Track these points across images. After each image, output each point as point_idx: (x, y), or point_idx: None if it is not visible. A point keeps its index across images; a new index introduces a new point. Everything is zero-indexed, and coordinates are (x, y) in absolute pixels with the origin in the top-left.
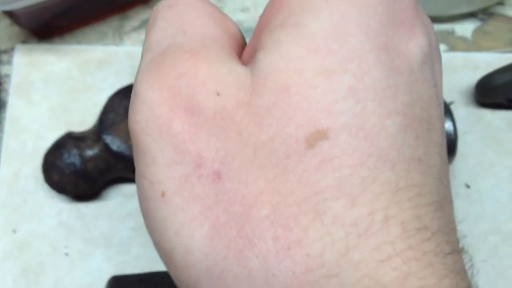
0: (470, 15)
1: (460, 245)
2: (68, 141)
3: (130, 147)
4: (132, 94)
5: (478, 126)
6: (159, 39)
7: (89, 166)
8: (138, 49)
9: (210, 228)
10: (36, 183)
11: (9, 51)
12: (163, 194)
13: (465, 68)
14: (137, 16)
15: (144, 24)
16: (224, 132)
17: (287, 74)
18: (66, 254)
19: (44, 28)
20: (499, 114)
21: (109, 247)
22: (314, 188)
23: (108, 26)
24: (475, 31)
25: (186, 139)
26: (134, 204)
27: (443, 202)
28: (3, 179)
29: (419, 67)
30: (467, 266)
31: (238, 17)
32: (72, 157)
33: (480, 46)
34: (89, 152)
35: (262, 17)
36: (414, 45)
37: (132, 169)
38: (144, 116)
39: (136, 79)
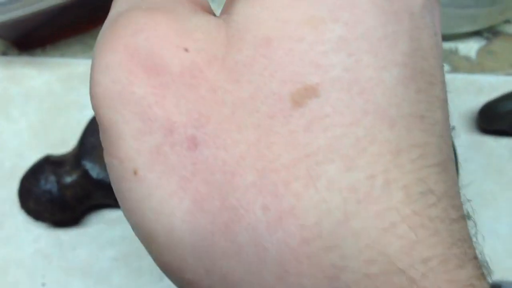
0: (475, 33)
1: (464, 210)
2: (45, 166)
3: None
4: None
5: (480, 154)
6: (121, 6)
7: (67, 193)
8: None
9: (191, 202)
10: (13, 206)
11: None
12: (135, 172)
13: (468, 91)
14: None
15: None
16: (196, 91)
17: (269, 26)
18: (43, 284)
19: (25, 40)
20: (503, 141)
21: (88, 277)
22: (305, 150)
23: (94, 37)
24: (480, 51)
25: (152, 103)
26: (116, 231)
27: (447, 163)
28: None
29: (420, 12)
30: (472, 232)
31: None
32: (49, 183)
33: (485, 67)
34: (68, 179)
35: None
36: None
37: (113, 197)
38: (102, 86)
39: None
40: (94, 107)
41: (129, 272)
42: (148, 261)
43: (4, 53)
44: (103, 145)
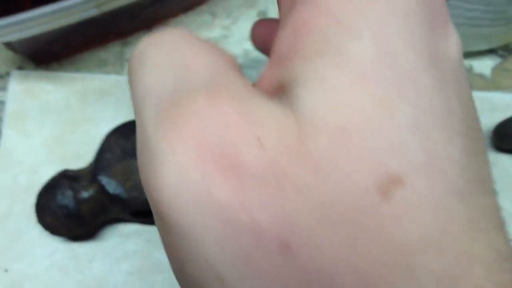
0: (490, 51)
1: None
2: (62, 181)
3: (127, 189)
4: (142, 154)
5: (494, 172)
6: (158, 83)
7: (83, 208)
8: None
9: None
10: (29, 221)
11: (4, 76)
12: (221, 281)
13: (482, 109)
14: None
15: None
16: (279, 191)
17: (339, 112)
18: None
19: (41, 54)
20: None
21: None
22: (397, 242)
23: (109, 52)
24: (495, 68)
25: (235, 207)
26: (130, 245)
27: (502, 217)
28: None
29: (459, 67)
30: None
31: (245, 46)
32: (66, 199)
33: (499, 85)
34: (84, 194)
35: (282, 41)
36: (452, 43)
37: (129, 212)
38: (172, 184)
39: (144, 136)
40: (158, 205)
41: (143, 286)
42: (161, 275)
43: (21, 68)
44: (165, 246)
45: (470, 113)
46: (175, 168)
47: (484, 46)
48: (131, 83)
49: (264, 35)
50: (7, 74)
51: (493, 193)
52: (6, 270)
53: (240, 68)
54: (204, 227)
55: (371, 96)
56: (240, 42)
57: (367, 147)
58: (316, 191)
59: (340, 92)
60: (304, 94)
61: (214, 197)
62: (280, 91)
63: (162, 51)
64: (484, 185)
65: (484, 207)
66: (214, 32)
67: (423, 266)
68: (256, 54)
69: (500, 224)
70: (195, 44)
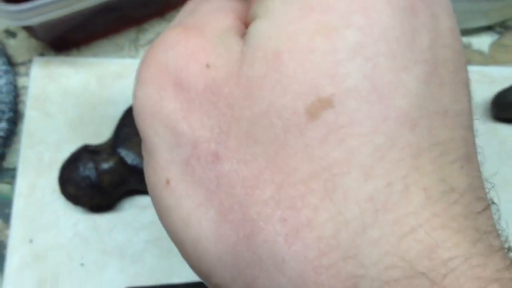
0: (487, 28)
1: (488, 197)
2: (84, 154)
3: None
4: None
5: (494, 141)
6: (170, 25)
7: (104, 179)
8: None
9: (216, 213)
10: (53, 195)
11: (27, 63)
12: (167, 182)
13: (481, 82)
14: (153, 29)
15: None
16: (216, 108)
17: (278, 40)
18: (82, 265)
19: (61, 41)
20: None
21: (124, 259)
22: (321, 163)
23: (124, 38)
24: (492, 45)
25: (180, 118)
26: (148, 216)
27: (471, 153)
28: (20, 190)
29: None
30: (495, 218)
31: None
32: (88, 170)
33: (497, 60)
34: (105, 166)
35: None
36: None
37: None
38: (139, 99)
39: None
40: (135, 119)
41: (161, 253)
42: None
43: (42, 54)
44: (143, 154)
45: (444, 43)
46: (141, 84)
47: (482, 23)
48: None
49: None
50: (30, 61)
51: (468, 128)
52: (31, 241)
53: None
54: (157, 133)
55: (313, 24)
56: None
57: (299, 72)
58: (246, 109)
59: (284, 23)
60: (252, 28)
61: (164, 108)
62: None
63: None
64: (454, 119)
65: (444, 140)
66: None
67: (345, 188)
68: None
69: (467, 159)
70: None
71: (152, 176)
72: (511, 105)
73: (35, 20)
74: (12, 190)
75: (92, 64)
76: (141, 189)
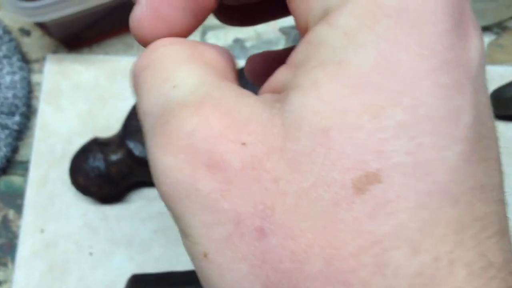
0: (485, 29)
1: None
2: (93, 146)
3: None
4: (150, 164)
5: None
6: (151, 102)
7: (112, 169)
8: None
9: (262, 287)
10: (63, 186)
11: (40, 60)
12: (205, 255)
13: None
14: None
15: None
16: (258, 183)
17: (325, 117)
18: (90, 253)
19: (74, 39)
20: None
21: (131, 247)
22: (370, 237)
23: (133, 37)
24: (489, 45)
25: (218, 198)
26: (155, 207)
27: (504, 227)
28: (33, 181)
29: (478, 74)
30: None
31: (258, 30)
32: (97, 161)
33: (494, 60)
34: (113, 157)
35: (297, 51)
36: (472, 48)
37: None
38: (168, 185)
39: (147, 148)
40: (163, 200)
41: (168, 242)
42: None
43: (55, 52)
44: (175, 222)
45: (482, 120)
46: (169, 172)
47: (479, 23)
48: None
49: (256, 69)
50: (43, 58)
51: (500, 202)
52: (42, 230)
53: (234, 66)
54: (194, 214)
55: (360, 103)
56: (254, 27)
57: (346, 148)
58: (292, 183)
59: (332, 99)
60: (295, 99)
61: (201, 191)
62: (283, 96)
63: (150, 74)
64: (489, 193)
65: (482, 215)
66: None
67: (396, 263)
68: (268, 36)
69: (501, 234)
70: (183, 58)
71: (188, 248)
72: (508, 101)
73: (49, 17)
74: (24, 182)
75: (103, 61)
76: (148, 180)
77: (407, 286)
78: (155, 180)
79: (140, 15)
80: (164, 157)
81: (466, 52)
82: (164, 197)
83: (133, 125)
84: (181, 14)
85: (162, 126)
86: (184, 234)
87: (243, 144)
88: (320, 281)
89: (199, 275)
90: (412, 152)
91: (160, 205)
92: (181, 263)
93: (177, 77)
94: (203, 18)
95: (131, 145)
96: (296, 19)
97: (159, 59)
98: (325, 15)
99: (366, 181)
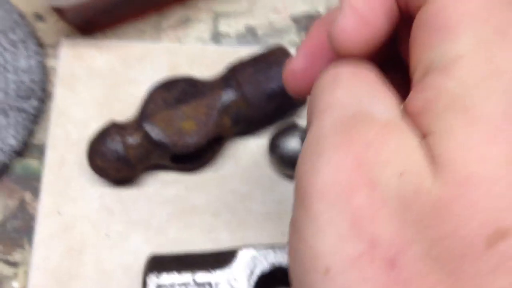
0: None
1: None
2: (111, 129)
3: (167, 135)
4: (311, 150)
5: None
6: (344, 100)
7: (130, 152)
8: (174, 46)
9: None
10: (80, 169)
11: (55, 45)
12: (327, 270)
13: None
14: (174, 14)
15: (181, 22)
16: (403, 218)
17: (467, 165)
18: (107, 235)
19: (88, 25)
20: None
21: (147, 230)
22: None
23: (147, 23)
24: None
25: (365, 215)
26: (171, 190)
27: None
28: (49, 165)
29: None
30: None
31: (269, 18)
32: (115, 144)
33: None
34: (131, 140)
35: (416, 97)
36: None
37: (169, 157)
38: (325, 179)
39: (318, 135)
40: (305, 192)
41: (183, 225)
42: (198, 217)
43: (69, 37)
44: (296, 226)
45: None
46: (334, 167)
47: None
48: (316, 94)
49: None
50: (58, 43)
51: None
52: (59, 213)
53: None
54: (333, 220)
55: (497, 153)
56: (264, 14)
57: (486, 201)
58: (431, 229)
59: (469, 147)
60: (437, 144)
61: (352, 200)
62: (431, 138)
63: (356, 80)
64: None
65: None
66: (241, 4)
67: None
68: (279, 24)
69: None
70: (376, 83)
71: (307, 256)
72: None
73: (68, 2)
74: (40, 165)
75: (117, 47)
76: (164, 163)
77: None
78: (310, 168)
79: (345, 24)
80: (337, 153)
81: None
82: (310, 189)
83: (149, 108)
84: (383, 20)
85: (348, 127)
86: (307, 240)
87: (401, 175)
88: None
89: (309, 286)
90: None
91: (175, 189)
92: (197, 246)
93: (377, 96)
94: (395, 24)
95: (148, 128)
96: (409, 65)
97: (367, 75)
98: (437, 67)
99: (498, 237)
